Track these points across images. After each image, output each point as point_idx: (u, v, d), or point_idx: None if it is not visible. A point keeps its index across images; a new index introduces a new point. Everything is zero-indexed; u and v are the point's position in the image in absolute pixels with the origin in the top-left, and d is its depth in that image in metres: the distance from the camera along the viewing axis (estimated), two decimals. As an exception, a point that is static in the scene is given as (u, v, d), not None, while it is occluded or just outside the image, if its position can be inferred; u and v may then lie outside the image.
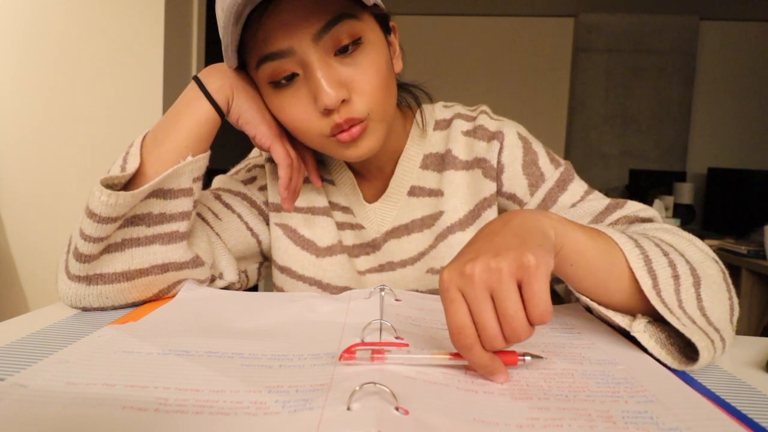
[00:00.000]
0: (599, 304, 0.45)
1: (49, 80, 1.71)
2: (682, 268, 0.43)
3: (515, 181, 0.63)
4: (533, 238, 0.37)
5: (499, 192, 0.64)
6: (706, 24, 3.66)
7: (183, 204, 0.55)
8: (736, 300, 0.46)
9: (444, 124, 0.67)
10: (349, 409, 0.29)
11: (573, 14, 3.72)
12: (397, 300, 0.54)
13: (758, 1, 3.57)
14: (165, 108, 1.70)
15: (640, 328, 0.42)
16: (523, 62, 3.76)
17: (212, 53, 2.02)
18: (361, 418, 0.28)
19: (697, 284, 0.43)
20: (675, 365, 0.39)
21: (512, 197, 0.63)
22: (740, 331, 2.11)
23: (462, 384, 0.35)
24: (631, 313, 0.45)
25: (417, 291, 0.65)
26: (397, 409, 0.29)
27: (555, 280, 0.64)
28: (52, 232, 1.76)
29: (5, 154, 1.76)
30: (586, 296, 0.45)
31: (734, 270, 2.18)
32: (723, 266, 0.48)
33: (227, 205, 0.65)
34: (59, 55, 1.70)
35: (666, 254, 0.44)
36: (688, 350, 0.41)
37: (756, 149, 3.68)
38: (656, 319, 0.43)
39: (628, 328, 0.43)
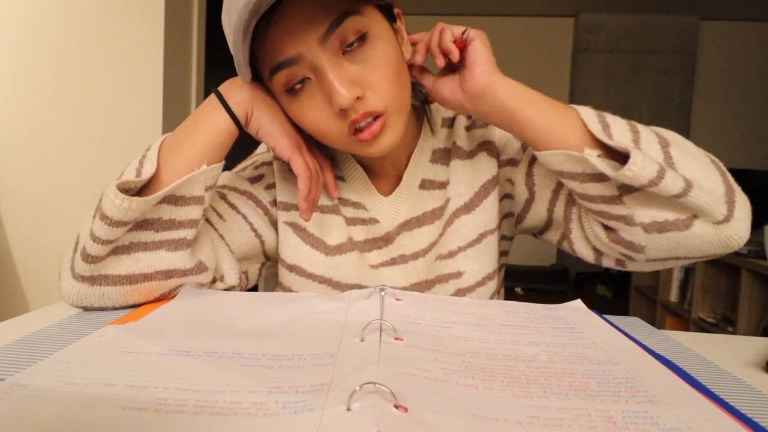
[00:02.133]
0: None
1: (49, 80, 1.72)
2: (644, 130, 0.51)
3: (509, 146, 0.67)
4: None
5: (499, 163, 0.67)
6: (706, 24, 3.67)
7: (193, 212, 0.55)
8: (735, 186, 0.51)
9: (448, 122, 0.70)
10: (349, 409, 0.29)
11: (573, 14, 3.73)
12: (397, 300, 0.54)
13: (758, 1, 3.57)
14: (165, 108, 1.70)
15: (593, 153, 0.49)
16: (523, 62, 3.76)
17: (212, 54, 2.02)
18: (360, 419, 0.28)
19: (664, 144, 0.50)
20: (611, 172, 0.48)
21: (510, 161, 0.66)
22: (740, 331, 2.10)
23: (462, 380, 0.35)
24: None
25: (426, 280, 0.66)
26: (396, 407, 0.29)
27: (556, 274, 0.65)
28: (52, 232, 1.76)
29: (5, 154, 1.76)
30: (542, 147, 0.54)
31: (734, 270, 2.18)
32: (721, 164, 0.52)
33: (232, 206, 0.65)
34: (59, 55, 1.70)
35: (629, 122, 0.52)
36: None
37: (756, 149, 3.68)
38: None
39: (579, 151, 0.50)
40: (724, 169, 0.52)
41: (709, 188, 0.48)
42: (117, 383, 0.33)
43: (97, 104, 1.71)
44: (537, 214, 0.66)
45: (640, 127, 0.52)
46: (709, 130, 3.72)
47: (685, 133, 3.68)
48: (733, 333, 2.05)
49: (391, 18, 0.58)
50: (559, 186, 0.62)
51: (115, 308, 0.53)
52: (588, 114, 0.53)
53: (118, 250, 0.52)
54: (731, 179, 0.51)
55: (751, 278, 2.11)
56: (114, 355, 0.38)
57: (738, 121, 3.69)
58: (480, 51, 0.55)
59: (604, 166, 0.49)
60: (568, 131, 0.53)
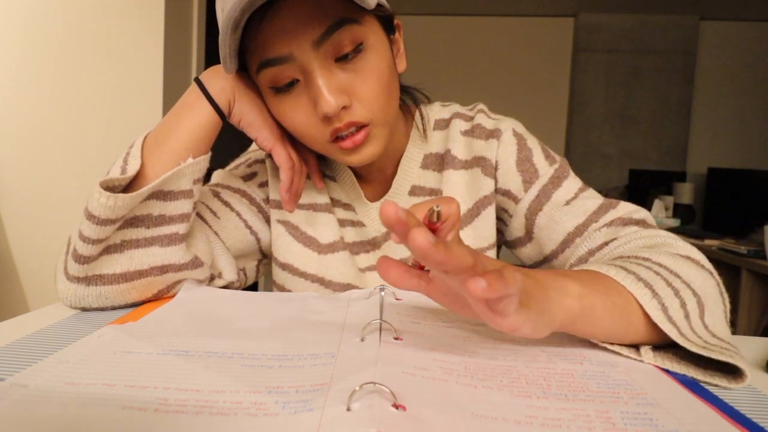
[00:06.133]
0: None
1: (49, 80, 1.72)
2: (690, 305, 0.43)
3: (509, 177, 0.63)
4: (536, 301, 0.35)
5: (496, 189, 0.64)
6: (706, 24, 3.67)
7: (183, 206, 0.55)
8: (728, 305, 0.47)
9: (443, 124, 0.68)
10: (348, 409, 0.29)
11: (573, 14, 3.72)
12: (397, 299, 0.54)
13: (758, 1, 3.57)
14: (165, 108, 1.70)
15: (649, 356, 0.41)
16: (523, 62, 3.76)
17: (212, 53, 2.02)
18: (360, 419, 0.28)
19: (701, 314, 0.43)
20: (717, 381, 0.38)
21: (507, 193, 0.64)
22: (740, 331, 2.10)
23: (461, 379, 0.35)
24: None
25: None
26: (396, 406, 0.29)
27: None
28: (52, 232, 1.77)
29: (5, 154, 1.76)
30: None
31: (734, 270, 2.18)
32: (717, 276, 0.49)
33: (226, 203, 0.65)
34: (59, 55, 1.70)
35: (677, 293, 0.42)
36: (701, 362, 0.40)
37: (756, 149, 3.68)
38: (656, 346, 0.43)
39: (639, 359, 0.42)
40: (727, 303, 0.48)
41: (730, 341, 0.43)
42: (117, 383, 0.33)
43: (97, 104, 1.71)
44: (530, 252, 0.64)
45: (684, 294, 0.43)
46: (709, 130, 3.71)
47: (685, 133, 3.67)
48: (733, 333, 2.05)
49: (390, 29, 0.57)
50: (568, 242, 0.59)
51: (114, 308, 0.53)
52: (657, 315, 0.41)
53: (111, 249, 0.52)
54: (728, 307, 0.48)
55: (751, 278, 2.11)
56: (114, 355, 0.38)
57: (738, 121, 3.69)
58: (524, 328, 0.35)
59: (690, 370, 0.40)
60: (633, 337, 0.42)
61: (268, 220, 0.68)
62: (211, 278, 0.62)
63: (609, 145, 3.73)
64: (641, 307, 0.41)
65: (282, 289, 0.68)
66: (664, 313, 0.41)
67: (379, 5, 0.53)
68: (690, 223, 3.11)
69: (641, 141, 3.72)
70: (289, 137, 0.60)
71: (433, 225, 0.37)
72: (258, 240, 0.68)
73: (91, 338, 0.41)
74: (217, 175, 0.70)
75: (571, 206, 0.60)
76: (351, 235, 0.67)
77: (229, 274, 0.63)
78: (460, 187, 0.65)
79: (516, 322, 0.33)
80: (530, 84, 3.76)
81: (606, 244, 0.55)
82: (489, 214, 0.64)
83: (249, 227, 0.67)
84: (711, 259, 0.52)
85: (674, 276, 0.44)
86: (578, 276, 0.41)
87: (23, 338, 0.42)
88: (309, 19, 0.49)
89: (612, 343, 0.43)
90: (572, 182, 0.62)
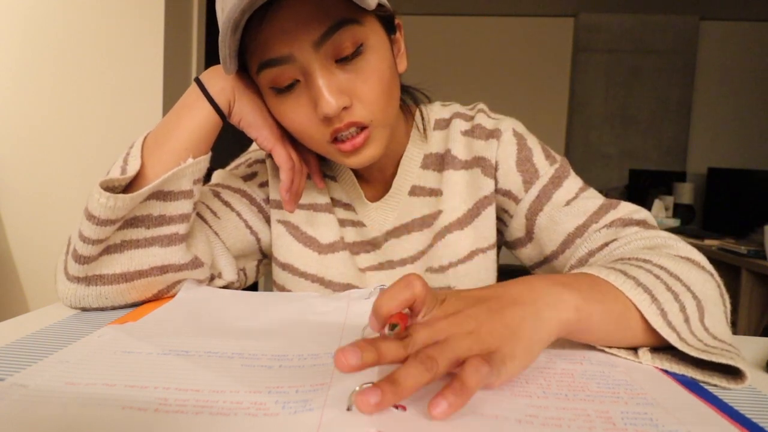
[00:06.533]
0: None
1: (49, 80, 1.72)
2: (690, 308, 0.42)
3: (509, 177, 0.63)
4: (523, 339, 0.34)
5: (496, 189, 0.64)
6: (706, 24, 3.67)
7: (183, 206, 0.55)
8: (729, 306, 0.47)
9: (443, 124, 0.67)
10: (348, 409, 0.29)
11: (573, 14, 3.72)
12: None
13: (758, 1, 3.57)
14: (165, 108, 1.70)
15: (647, 358, 0.42)
16: (523, 62, 3.76)
17: (212, 53, 2.02)
18: (359, 418, 0.28)
19: (701, 317, 0.43)
20: (715, 380, 0.38)
21: (507, 194, 0.63)
22: (740, 331, 2.10)
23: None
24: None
25: None
26: (396, 407, 0.29)
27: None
28: (52, 232, 1.77)
29: (5, 154, 1.76)
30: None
31: (734, 270, 2.18)
32: (717, 277, 0.48)
33: (226, 203, 0.65)
34: (59, 55, 1.70)
35: (676, 297, 0.42)
36: (700, 363, 0.40)
37: (756, 149, 3.68)
38: (654, 348, 0.43)
39: (638, 361, 0.42)
40: (728, 303, 0.48)
41: (731, 342, 0.43)
42: (117, 383, 0.33)
43: (97, 104, 1.71)
44: (530, 253, 0.64)
45: (683, 297, 0.43)
46: (709, 130, 3.71)
47: (685, 133, 3.67)
48: (733, 333, 2.04)
49: (391, 29, 0.57)
50: (568, 242, 0.59)
51: (114, 308, 0.53)
52: (656, 320, 0.40)
53: (111, 249, 0.52)
54: (729, 309, 0.48)
55: (751, 278, 2.11)
56: (114, 355, 0.38)
57: (738, 121, 3.69)
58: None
59: (695, 372, 0.40)
60: (631, 341, 0.43)
61: (268, 220, 0.68)
62: (211, 278, 0.62)
63: (609, 145, 3.73)
64: (640, 312, 0.41)
65: (282, 289, 0.68)
66: (663, 318, 0.41)
67: (379, 5, 0.52)
68: (690, 223, 3.11)
69: (641, 141, 3.72)
70: (289, 137, 0.60)
71: (403, 316, 0.35)
72: (258, 240, 0.68)
73: (91, 338, 0.41)
74: (217, 175, 0.70)
75: (571, 207, 0.59)
76: (351, 235, 0.67)
77: (229, 274, 0.63)
78: (460, 187, 0.64)
79: (503, 382, 0.34)
80: (530, 84, 3.75)
81: (606, 244, 0.55)
82: (489, 215, 0.64)
83: (249, 227, 0.66)
84: (711, 259, 0.51)
85: (674, 279, 0.44)
86: (576, 283, 0.40)
87: (23, 338, 0.42)
88: (309, 20, 0.49)
89: (610, 347, 0.43)
90: (573, 182, 0.62)
